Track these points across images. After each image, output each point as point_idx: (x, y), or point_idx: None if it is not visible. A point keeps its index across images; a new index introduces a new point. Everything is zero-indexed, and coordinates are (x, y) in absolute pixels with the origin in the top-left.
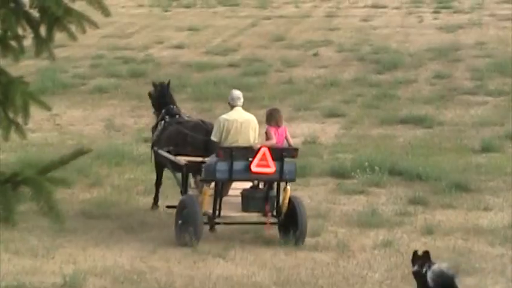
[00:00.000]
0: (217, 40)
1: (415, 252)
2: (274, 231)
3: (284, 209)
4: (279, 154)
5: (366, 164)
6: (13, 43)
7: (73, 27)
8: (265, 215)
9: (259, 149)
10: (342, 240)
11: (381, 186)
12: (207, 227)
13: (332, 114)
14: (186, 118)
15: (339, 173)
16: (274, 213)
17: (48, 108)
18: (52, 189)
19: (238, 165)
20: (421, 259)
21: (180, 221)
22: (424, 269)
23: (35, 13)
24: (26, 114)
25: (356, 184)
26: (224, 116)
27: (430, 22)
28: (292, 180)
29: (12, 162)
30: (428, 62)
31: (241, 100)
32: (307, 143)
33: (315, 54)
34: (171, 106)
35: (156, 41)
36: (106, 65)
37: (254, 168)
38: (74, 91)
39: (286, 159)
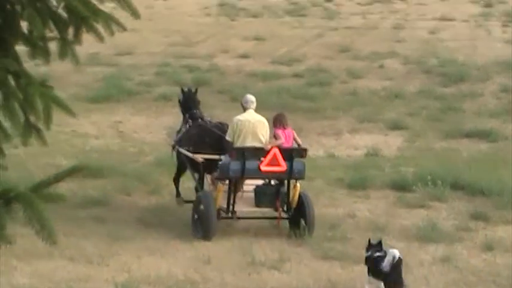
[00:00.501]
0: (283, 50)
1: (369, 240)
2: (284, 224)
3: (294, 204)
4: (289, 154)
5: (428, 177)
6: (41, 44)
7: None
8: (276, 210)
9: (270, 150)
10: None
11: (442, 200)
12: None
13: (396, 126)
14: (207, 121)
15: (400, 186)
16: (285, 209)
17: (73, 115)
18: (42, 207)
19: (250, 164)
20: (375, 246)
21: (195, 216)
22: (376, 254)
23: (63, 13)
24: (48, 119)
25: (417, 198)
26: (238, 117)
27: (499, 35)
28: (301, 178)
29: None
30: (495, 76)
31: (254, 104)
32: (369, 155)
33: (381, 66)
34: (195, 111)
35: (222, 50)
36: (171, 73)
37: (264, 167)
38: (138, 98)
39: (296, 159)
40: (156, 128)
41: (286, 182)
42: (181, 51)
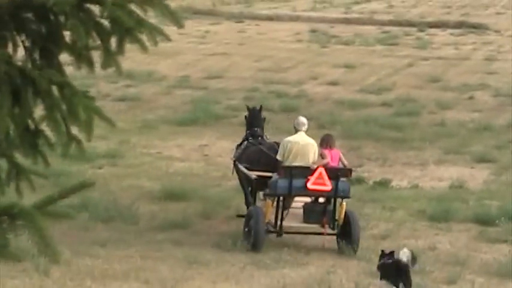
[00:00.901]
0: (372, 79)
1: (382, 251)
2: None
3: (340, 221)
4: (335, 174)
5: None
6: (85, 53)
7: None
8: (323, 226)
9: (316, 169)
10: None
11: None
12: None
13: (483, 159)
14: (266, 140)
15: (483, 220)
16: (331, 225)
17: (113, 125)
18: (45, 224)
19: (297, 182)
20: (387, 255)
21: (246, 229)
22: (388, 261)
23: (106, 23)
24: (90, 130)
25: (500, 232)
26: (288, 138)
27: None
28: (346, 197)
29: (157, 190)
30: None
31: (306, 126)
32: (454, 187)
33: (470, 98)
34: (255, 129)
35: (311, 76)
36: (259, 98)
37: (311, 185)
38: (225, 122)
39: (341, 179)
40: None
41: (332, 200)
42: (271, 76)
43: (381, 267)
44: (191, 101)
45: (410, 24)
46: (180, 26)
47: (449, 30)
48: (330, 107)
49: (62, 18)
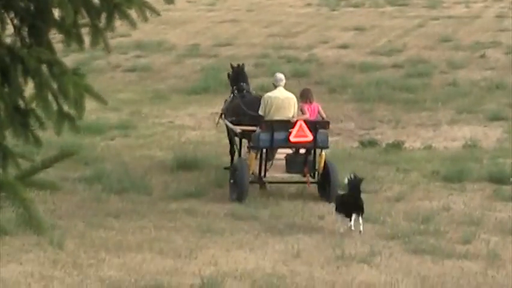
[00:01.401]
0: (383, 40)
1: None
2: (314, 189)
3: (320, 170)
4: (313, 126)
5: None
6: (74, 31)
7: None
8: (304, 175)
9: (295, 122)
10: (493, 249)
11: None
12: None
13: (496, 117)
14: (251, 94)
15: (498, 179)
16: (312, 174)
17: (105, 102)
18: (28, 195)
19: (279, 135)
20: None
21: (231, 181)
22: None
23: (95, 0)
24: (81, 108)
25: None
26: (269, 94)
27: None
28: (325, 147)
29: (169, 159)
30: None
31: (283, 81)
32: (468, 146)
33: (482, 56)
34: (241, 83)
35: (321, 40)
36: (269, 64)
37: (293, 138)
38: None
39: (320, 130)
40: None
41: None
42: (281, 42)
43: (336, 200)
44: (201, 70)
45: None
46: (169, 1)
47: None
48: (340, 71)
49: None
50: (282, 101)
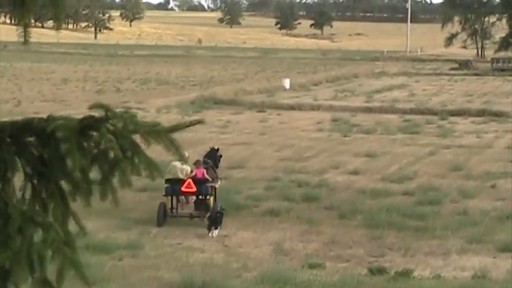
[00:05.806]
0: (394, 167)
1: None
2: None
3: (210, 209)
4: (198, 181)
5: None
6: (83, 183)
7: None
8: (200, 211)
9: (186, 180)
10: None
11: None
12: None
13: (506, 248)
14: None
15: None
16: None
17: (88, 284)
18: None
19: (176, 187)
20: None
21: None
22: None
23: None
24: (61, 279)
25: None
26: (173, 163)
27: None
28: (207, 194)
29: (177, 282)
30: None
31: (179, 164)
32: (477, 277)
33: (493, 186)
34: (207, 160)
35: (332, 165)
36: (280, 187)
37: (183, 189)
38: (246, 212)
39: (203, 184)
40: (262, 243)
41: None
42: (292, 166)
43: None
44: None
45: (432, 112)
46: (184, 160)
47: (471, 118)
48: (351, 196)
49: (63, 144)
50: (179, 168)
